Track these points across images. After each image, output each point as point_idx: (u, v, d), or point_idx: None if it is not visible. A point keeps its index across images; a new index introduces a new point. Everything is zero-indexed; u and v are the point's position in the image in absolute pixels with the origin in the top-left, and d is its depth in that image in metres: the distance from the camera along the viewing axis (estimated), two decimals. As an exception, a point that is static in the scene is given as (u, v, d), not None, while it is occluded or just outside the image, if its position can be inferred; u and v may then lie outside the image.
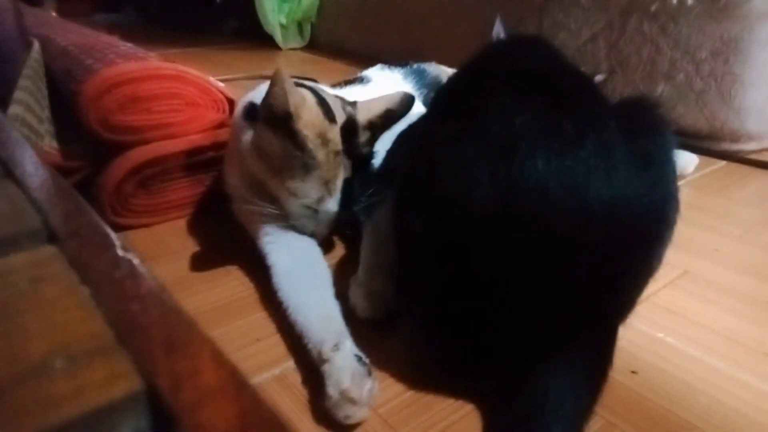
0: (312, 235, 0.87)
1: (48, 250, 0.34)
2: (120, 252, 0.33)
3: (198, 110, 1.06)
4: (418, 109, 0.97)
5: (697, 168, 1.34)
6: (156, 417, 0.22)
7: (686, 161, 1.30)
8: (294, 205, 0.83)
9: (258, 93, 0.89)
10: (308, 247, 0.86)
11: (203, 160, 1.07)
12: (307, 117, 0.80)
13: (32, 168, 0.45)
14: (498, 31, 0.97)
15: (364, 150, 0.86)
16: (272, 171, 0.82)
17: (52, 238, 0.35)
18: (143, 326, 0.26)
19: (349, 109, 0.87)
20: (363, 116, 0.87)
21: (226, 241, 0.97)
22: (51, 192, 0.41)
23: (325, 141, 0.81)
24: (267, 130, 0.81)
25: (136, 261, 0.32)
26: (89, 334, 0.26)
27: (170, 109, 1.03)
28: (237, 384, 0.23)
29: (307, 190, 0.82)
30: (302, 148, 0.79)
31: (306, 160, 0.80)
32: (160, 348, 0.25)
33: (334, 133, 0.82)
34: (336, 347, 0.65)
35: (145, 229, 1.03)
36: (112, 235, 0.35)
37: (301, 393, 0.66)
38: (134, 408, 0.22)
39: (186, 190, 1.07)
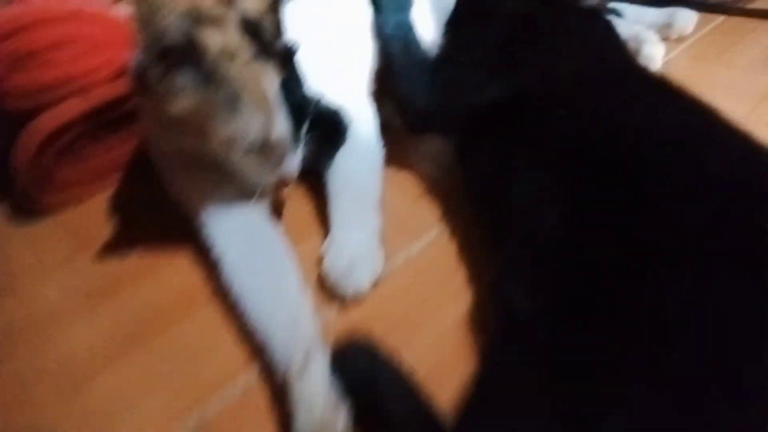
0: (268, 188, 0.72)
1: None
2: None
3: (107, 52, 0.89)
4: None
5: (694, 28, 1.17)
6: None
7: (684, 20, 1.14)
8: (240, 158, 0.66)
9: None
10: (259, 224, 0.74)
11: (124, 113, 0.90)
12: (207, 38, 0.60)
13: None
14: None
15: (275, 38, 0.67)
16: (191, 133, 0.64)
17: None
18: None
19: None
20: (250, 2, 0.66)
21: (169, 213, 0.84)
22: None
23: (229, 54, 0.62)
24: (162, 80, 0.61)
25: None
26: None
27: (72, 57, 0.87)
28: None
29: (246, 126, 0.63)
30: (214, 78, 0.61)
31: (225, 92, 0.61)
32: None
33: (232, 37, 0.62)
34: (306, 362, 0.58)
35: (81, 209, 0.92)
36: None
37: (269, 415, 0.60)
38: None
39: (114, 150, 0.94)
